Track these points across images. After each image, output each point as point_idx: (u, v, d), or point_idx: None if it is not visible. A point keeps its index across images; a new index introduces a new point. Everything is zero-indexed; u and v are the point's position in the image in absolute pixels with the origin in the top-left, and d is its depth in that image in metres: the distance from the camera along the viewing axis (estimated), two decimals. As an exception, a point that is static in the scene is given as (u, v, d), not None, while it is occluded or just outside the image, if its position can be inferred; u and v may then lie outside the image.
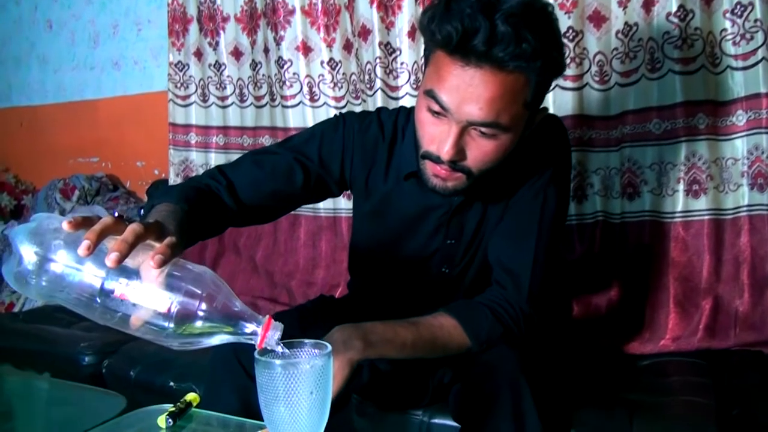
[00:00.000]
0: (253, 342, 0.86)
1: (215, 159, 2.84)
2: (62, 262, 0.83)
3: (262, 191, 1.41)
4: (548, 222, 1.39)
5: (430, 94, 1.21)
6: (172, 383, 1.91)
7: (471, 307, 1.34)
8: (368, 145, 1.45)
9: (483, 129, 1.19)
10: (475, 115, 1.17)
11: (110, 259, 0.79)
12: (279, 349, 0.87)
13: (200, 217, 1.23)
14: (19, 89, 3.74)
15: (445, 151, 1.20)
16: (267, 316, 0.87)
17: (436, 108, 1.20)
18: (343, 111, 1.54)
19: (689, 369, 1.77)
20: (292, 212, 2.60)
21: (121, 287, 0.83)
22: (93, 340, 2.19)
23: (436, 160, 1.24)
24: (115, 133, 3.40)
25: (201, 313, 0.83)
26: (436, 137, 1.23)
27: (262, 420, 1.12)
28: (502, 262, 1.39)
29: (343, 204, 2.56)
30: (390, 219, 1.48)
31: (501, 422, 1.21)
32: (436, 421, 1.52)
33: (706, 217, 2.00)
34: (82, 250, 0.80)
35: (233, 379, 1.32)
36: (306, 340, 0.92)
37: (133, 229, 0.84)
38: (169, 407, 1.17)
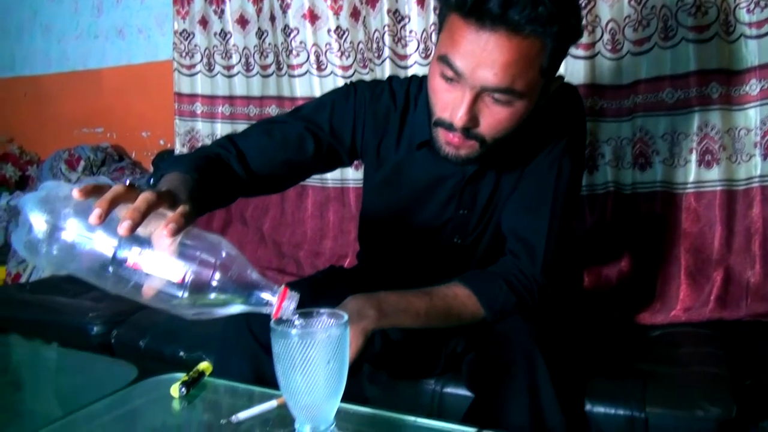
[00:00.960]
0: (268, 312, 0.85)
1: (221, 129, 2.82)
2: (73, 230, 0.81)
3: (272, 160, 1.39)
4: (563, 192, 1.37)
5: (443, 60, 1.18)
6: (182, 353, 1.91)
7: (485, 277, 1.33)
8: (380, 115, 1.43)
9: (497, 95, 1.17)
10: (489, 81, 1.15)
11: (122, 228, 0.78)
12: (295, 319, 0.86)
13: (210, 186, 1.21)
14: (23, 59, 3.70)
15: (458, 117, 1.18)
16: (283, 286, 0.85)
17: (450, 74, 1.18)
18: (351, 80, 1.52)
19: (701, 340, 1.76)
20: (300, 183, 2.60)
21: (134, 256, 0.82)
22: (101, 310, 2.19)
23: (449, 127, 1.22)
24: (120, 103, 3.38)
25: (215, 283, 0.82)
26: (449, 104, 1.21)
27: (274, 388, 1.13)
28: (516, 232, 1.37)
29: (351, 174, 2.54)
30: (402, 189, 1.47)
31: (515, 392, 1.20)
32: (449, 390, 1.51)
33: (719, 188, 1.99)
34: (93, 218, 0.78)
35: (245, 348, 1.31)
36: (322, 310, 0.91)
37: (145, 197, 0.82)
38: (182, 376, 1.16)
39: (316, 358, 0.84)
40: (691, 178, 2.01)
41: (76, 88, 3.51)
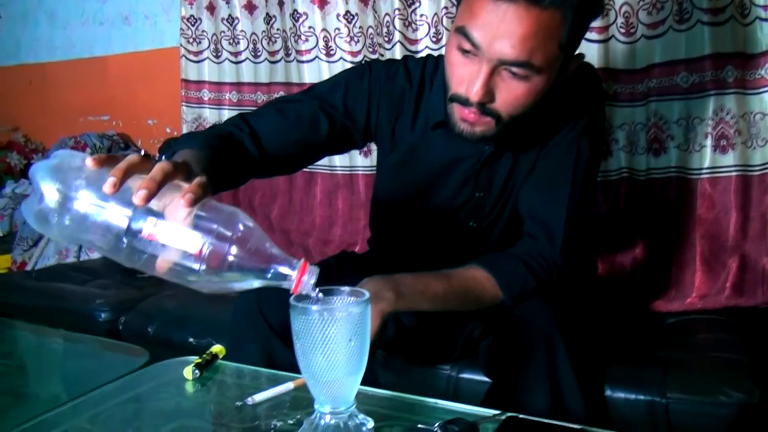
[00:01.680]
0: (287, 287, 0.82)
1: (228, 116, 2.73)
2: (85, 200, 0.79)
3: (286, 140, 1.36)
4: (582, 173, 1.34)
5: (461, 32, 1.16)
6: (191, 339, 1.89)
7: (504, 260, 1.30)
8: (395, 94, 1.41)
9: (514, 69, 1.14)
10: (507, 53, 1.12)
11: (138, 197, 0.75)
12: (315, 294, 0.83)
13: (223, 164, 1.18)
14: (28, 46, 3.67)
15: (474, 91, 1.16)
16: (302, 260, 0.83)
17: (467, 46, 1.15)
18: (353, 66, 1.49)
19: (717, 326, 1.74)
20: (308, 170, 2.59)
21: (149, 227, 0.79)
22: (109, 297, 2.17)
23: (465, 102, 1.19)
24: (126, 91, 3.35)
25: (233, 256, 0.79)
26: (465, 78, 1.18)
27: (286, 371, 1.11)
28: (534, 214, 1.35)
29: (360, 161, 2.52)
30: (416, 171, 1.44)
31: (535, 377, 1.17)
32: (465, 375, 1.49)
33: (734, 173, 1.97)
34: (107, 187, 0.75)
35: (256, 332, 1.29)
36: (342, 287, 0.89)
37: (161, 167, 0.79)
38: (195, 359, 1.14)
39: (336, 336, 0.82)
40: (706, 163, 1.99)
41: (82, 76, 3.48)
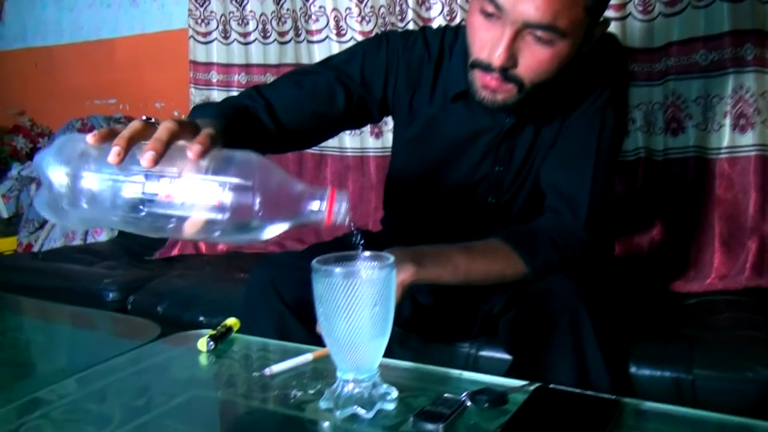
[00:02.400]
0: (319, 219, 0.79)
1: (237, 98, 2.75)
2: (95, 177, 0.76)
3: (302, 112, 1.32)
4: (606, 145, 1.31)
5: None
6: (201, 318, 1.86)
7: (527, 233, 1.26)
8: (413, 65, 1.37)
9: (539, 32, 1.11)
10: (532, 15, 1.08)
11: (146, 159, 0.73)
12: (348, 222, 0.80)
13: (237, 136, 1.15)
14: (34, 29, 3.62)
15: (497, 55, 1.12)
16: (329, 188, 0.79)
17: (490, 9, 1.12)
18: (370, 37, 1.45)
19: (739, 306, 1.71)
20: (318, 151, 2.55)
21: (164, 188, 0.75)
22: (116, 277, 2.14)
23: (487, 68, 1.15)
24: (133, 74, 3.30)
25: (257, 199, 0.75)
26: (487, 42, 1.14)
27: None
28: (557, 187, 1.31)
29: (371, 143, 2.49)
30: (434, 145, 1.40)
31: (559, 352, 1.14)
32: (484, 353, 1.46)
33: (753, 153, 1.93)
34: (112, 157, 0.73)
35: (270, 307, 1.26)
36: (365, 252, 0.86)
37: (166, 126, 0.77)
38: (209, 331, 1.11)
39: (361, 300, 0.79)
40: (725, 143, 1.96)
41: (89, 59, 3.44)
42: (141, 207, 0.76)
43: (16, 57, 3.72)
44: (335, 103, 1.33)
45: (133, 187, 0.76)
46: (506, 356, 1.35)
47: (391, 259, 0.83)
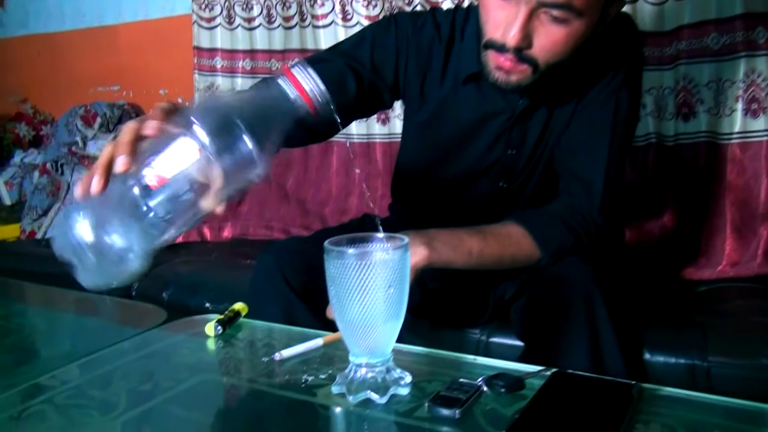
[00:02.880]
0: (298, 104, 0.78)
1: (242, 84, 2.73)
2: (101, 217, 0.74)
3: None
4: (621, 128, 1.28)
5: None
6: (207, 304, 1.84)
7: (541, 216, 1.24)
8: (423, 47, 1.34)
9: (554, 12, 1.08)
10: None
11: (117, 166, 0.73)
12: (324, 96, 0.78)
13: None
14: (36, 15, 3.59)
15: (512, 35, 1.09)
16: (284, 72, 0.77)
17: None
18: (378, 20, 1.42)
19: (751, 294, 1.70)
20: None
21: (151, 177, 0.74)
22: (121, 264, 2.11)
23: (500, 48, 1.13)
24: (136, 60, 3.28)
25: (236, 125, 0.73)
26: (501, 22, 1.12)
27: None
28: (571, 170, 1.29)
29: (377, 129, 2.46)
30: (445, 129, 1.37)
31: (574, 338, 1.11)
32: (495, 339, 1.44)
33: (765, 138, 1.91)
34: (93, 187, 0.74)
35: (277, 292, 1.23)
36: (378, 234, 0.84)
37: (127, 126, 0.77)
38: (217, 316, 1.09)
39: (375, 283, 0.77)
40: (737, 128, 1.93)
41: (92, 45, 3.41)
42: (144, 208, 0.74)
43: (19, 44, 3.69)
44: (347, 90, 1.30)
45: (131, 201, 0.74)
46: (517, 342, 1.33)
47: (405, 240, 0.81)
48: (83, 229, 0.73)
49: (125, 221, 0.74)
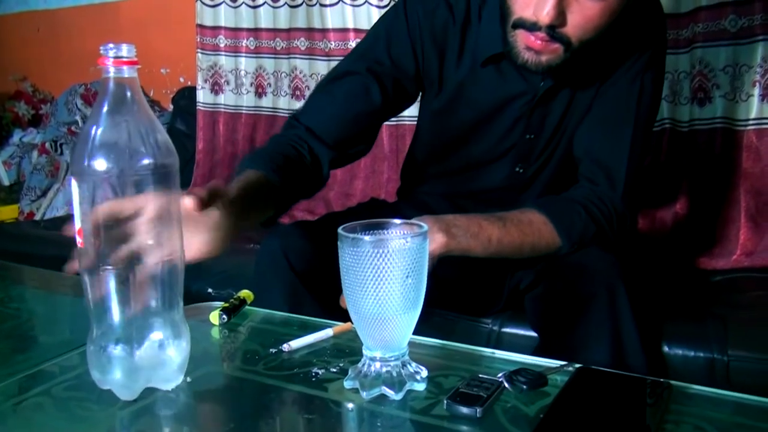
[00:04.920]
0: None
1: (245, 64, 2.69)
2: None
3: (344, 122, 1.27)
4: (645, 112, 1.24)
5: None
6: (210, 290, 1.79)
7: (562, 203, 1.20)
8: (437, 30, 1.29)
9: None
10: None
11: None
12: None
13: (289, 184, 1.15)
14: (36, -9, 3.55)
15: (545, 13, 1.04)
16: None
17: None
18: (387, 8, 1.38)
19: (766, 284, 1.66)
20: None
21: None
22: (122, 247, 2.07)
23: (532, 27, 1.08)
24: (138, 38, 3.17)
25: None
26: None
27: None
28: (593, 155, 1.24)
29: (383, 111, 2.40)
30: (462, 114, 1.33)
31: (595, 331, 1.08)
32: (508, 330, 1.40)
33: (782, 125, 1.86)
34: None
35: (281, 279, 1.19)
36: (395, 221, 0.80)
37: None
38: (222, 304, 1.05)
39: (391, 272, 0.73)
40: (753, 113, 1.90)
41: (93, 23, 3.37)
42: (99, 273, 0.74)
43: (18, 21, 3.63)
44: (372, 98, 1.28)
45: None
46: (531, 333, 1.30)
47: (425, 227, 0.76)
48: None
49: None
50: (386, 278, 0.73)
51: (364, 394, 0.76)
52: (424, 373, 0.79)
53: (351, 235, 0.74)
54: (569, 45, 1.09)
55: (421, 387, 0.78)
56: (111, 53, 0.74)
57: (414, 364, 0.79)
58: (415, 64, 1.30)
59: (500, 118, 1.30)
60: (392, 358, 0.77)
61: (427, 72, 1.32)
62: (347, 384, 0.79)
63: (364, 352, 0.78)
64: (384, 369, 0.77)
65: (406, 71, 1.30)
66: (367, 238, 0.73)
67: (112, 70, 0.74)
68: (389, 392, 0.76)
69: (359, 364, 0.79)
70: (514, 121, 1.30)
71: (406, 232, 0.78)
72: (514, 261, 1.22)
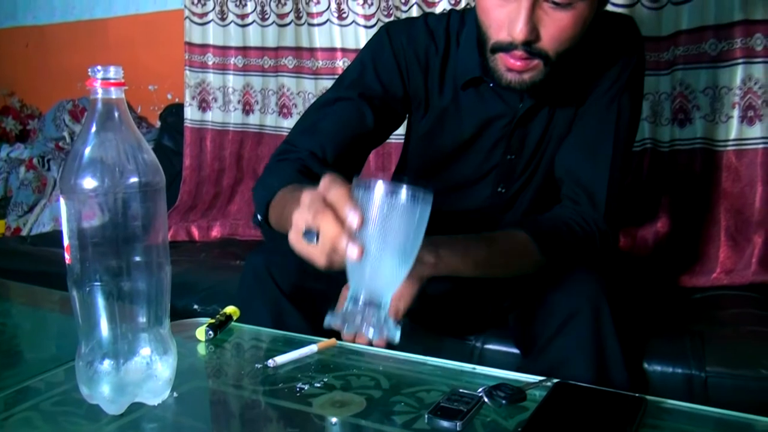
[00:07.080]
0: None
1: (233, 81, 2.71)
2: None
3: (342, 144, 1.28)
4: (624, 132, 1.27)
5: None
6: (196, 306, 1.80)
7: (545, 222, 1.22)
8: (420, 55, 1.31)
9: None
10: None
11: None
12: None
13: None
14: (25, 7, 3.54)
15: (519, 30, 1.07)
16: None
17: None
18: (375, 30, 1.40)
19: (745, 302, 1.69)
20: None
21: None
22: (108, 263, 2.08)
23: (509, 47, 1.10)
24: (126, 55, 3.22)
25: None
26: (505, 20, 1.10)
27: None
28: (574, 176, 1.27)
29: (370, 130, 2.42)
30: (446, 138, 1.35)
31: (577, 348, 1.10)
32: (491, 346, 1.42)
33: (761, 146, 1.91)
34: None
35: (265, 294, 1.21)
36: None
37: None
38: (208, 320, 1.06)
39: (400, 222, 0.78)
40: (733, 135, 1.93)
41: (81, 39, 3.36)
42: None
43: (6, 36, 3.63)
44: (366, 122, 1.29)
45: None
46: (513, 350, 1.32)
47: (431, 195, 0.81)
48: None
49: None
50: (393, 225, 0.77)
51: (345, 329, 0.80)
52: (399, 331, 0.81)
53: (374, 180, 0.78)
54: (548, 59, 1.11)
55: (397, 335, 0.81)
56: (99, 75, 0.75)
57: (392, 321, 0.81)
58: (403, 87, 1.32)
59: (481, 140, 1.33)
60: (375, 305, 0.80)
61: (414, 94, 1.34)
62: (329, 320, 0.82)
63: (349, 293, 0.81)
64: (366, 312, 0.79)
65: (395, 94, 1.32)
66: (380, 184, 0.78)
67: (100, 91, 0.75)
68: (370, 331, 0.79)
69: (343, 307, 0.81)
70: (494, 142, 1.32)
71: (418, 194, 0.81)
72: (499, 280, 1.24)
